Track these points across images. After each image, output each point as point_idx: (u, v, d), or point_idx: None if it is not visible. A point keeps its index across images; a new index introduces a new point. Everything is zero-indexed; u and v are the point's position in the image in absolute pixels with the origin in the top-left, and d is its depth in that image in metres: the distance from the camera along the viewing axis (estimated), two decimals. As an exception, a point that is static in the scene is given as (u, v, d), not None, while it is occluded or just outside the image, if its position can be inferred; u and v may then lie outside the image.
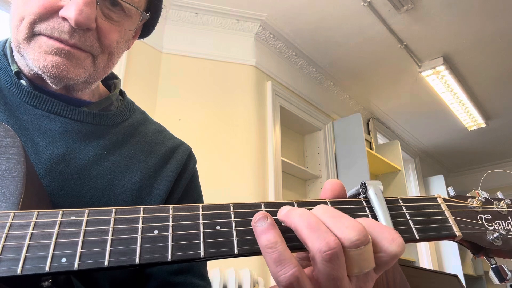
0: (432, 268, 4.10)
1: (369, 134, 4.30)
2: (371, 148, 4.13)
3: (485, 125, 4.69)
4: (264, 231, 0.38)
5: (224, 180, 2.54)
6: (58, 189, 0.61)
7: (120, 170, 0.69)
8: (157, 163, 0.75)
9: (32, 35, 0.61)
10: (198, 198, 0.84)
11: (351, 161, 3.51)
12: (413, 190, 4.92)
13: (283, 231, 0.40)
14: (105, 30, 0.64)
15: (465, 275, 4.78)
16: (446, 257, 4.77)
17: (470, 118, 4.53)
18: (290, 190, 3.27)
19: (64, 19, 0.60)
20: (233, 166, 2.61)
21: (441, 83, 3.80)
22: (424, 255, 4.43)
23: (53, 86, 0.65)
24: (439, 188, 5.04)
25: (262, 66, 3.07)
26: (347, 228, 0.37)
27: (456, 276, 2.65)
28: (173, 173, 0.76)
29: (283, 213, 0.41)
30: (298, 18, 3.07)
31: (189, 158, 0.82)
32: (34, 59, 0.60)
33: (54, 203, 0.60)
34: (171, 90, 2.72)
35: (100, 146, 0.69)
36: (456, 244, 5.02)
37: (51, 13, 0.60)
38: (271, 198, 2.63)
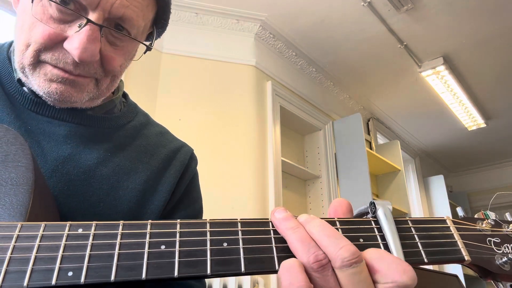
0: (432, 268, 4.10)
1: (369, 134, 4.31)
2: (371, 148, 4.13)
3: (485, 125, 4.69)
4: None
5: (224, 180, 2.54)
6: (64, 189, 0.62)
7: (124, 171, 0.70)
8: (160, 164, 0.77)
9: (37, 61, 0.61)
10: (198, 198, 0.85)
11: (351, 161, 3.51)
12: (413, 190, 4.93)
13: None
14: (109, 57, 0.64)
15: (465, 275, 4.79)
16: (446, 256, 4.76)
17: (470, 118, 4.54)
18: (290, 190, 3.27)
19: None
20: (233, 166, 2.61)
21: (441, 83, 3.81)
22: (424, 254, 4.42)
23: (57, 106, 0.66)
24: (439, 188, 5.04)
25: (262, 66, 3.06)
26: (341, 248, 0.38)
27: (456, 276, 2.64)
28: (176, 174, 0.77)
29: (277, 218, 0.43)
30: (298, 18, 3.07)
31: (191, 160, 0.84)
32: (39, 85, 0.61)
33: (60, 203, 0.61)
34: (171, 90, 2.72)
35: (104, 148, 0.70)
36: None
37: (56, 43, 0.60)
38: (271, 198, 2.63)
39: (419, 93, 4.12)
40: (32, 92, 0.67)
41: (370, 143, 4.22)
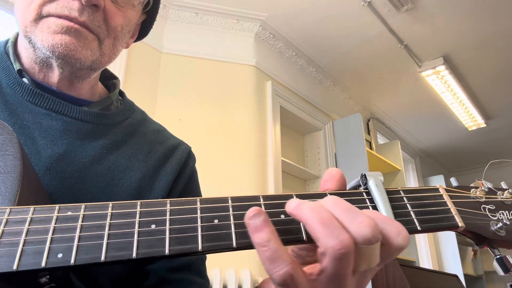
0: (432, 268, 4.10)
1: (369, 134, 4.30)
2: (371, 148, 4.12)
3: (485, 125, 4.68)
4: (257, 228, 0.37)
5: (224, 180, 2.54)
6: (58, 187, 0.62)
7: (120, 169, 0.70)
8: (157, 162, 0.76)
9: (40, 17, 0.61)
10: (197, 196, 0.84)
11: (351, 161, 3.51)
12: (413, 190, 4.91)
13: (282, 224, 0.40)
14: (112, 12, 0.66)
15: (465, 275, 4.78)
16: (446, 257, 4.76)
17: (470, 118, 4.53)
18: (290, 190, 3.27)
19: None
20: (233, 166, 2.61)
21: (441, 83, 3.80)
22: (424, 255, 4.43)
23: (59, 70, 0.65)
24: (439, 188, 5.03)
25: (262, 66, 3.06)
26: (361, 223, 0.36)
27: (456, 276, 2.65)
28: (173, 172, 0.77)
29: (293, 205, 0.40)
30: (298, 18, 3.07)
31: (189, 157, 0.83)
32: (43, 39, 0.61)
33: (54, 201, 0.60)
34: (171, 90, 2.72)
35: (100, 145, 0.69)
36: (456, 244, 4.94)
37: None
38: (271, 198, 2.63)
39: (419, 93, 4.11)
40: (32, 82, 0.67)
41: (370, 143, 4.22)
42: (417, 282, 2.33)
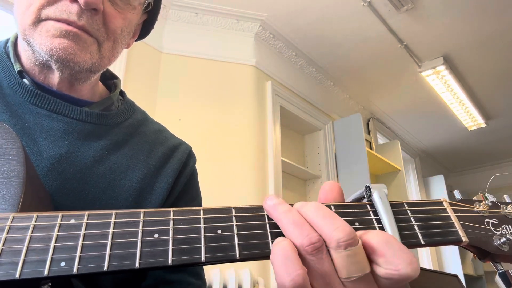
0: (432, 268, 4.10)
1: (369, 134, 4.30)
2: (371, 148, 4.12)
3: (485, 125, 4.68)
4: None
5: (224, 180, 2.54)
6: (59, 188, 0.61)
7: (121, 169, 0.70)
8: (158, 162, 0.76)
9: (39, 20, 0.61)
10: (196, 196, 0.84)
11: (351, 161, 3.51)
12: (413, 190, 4.92)
13: None
14: (111, 15, 0.65)
15: (465, 275, 4.78)
16: (446, 257, 4.76)
17: (470, 118, 4.53)
18: (290, 190, 3.27)
19: (72, 1, 0.60)
20: (233, 166, 2.61)
21: (441, 83, 3.80)
22: (424, 255, 4.43)
23: (59, 72, 0.65)
24: (439, 188, 5.03)
25: (262, 66, 3.06)
26: (336, 229, 0.37)
27: (456, 276, 2.64)
28: (173, 172, 0.77)
29: (270, 203, 0.42)
30: (298, 18, 3.07)
31: (189, 157, 0.83)
32: (41, 43, 0.61)
33: (56, 202, 0.60)
34: (171, 90, 2.71)
35: (101, 146, 0.69)
36: (456, 244, 4.97)
37: None
38: (271, 198, 2.63)
39: (419, 93, 4.11)
40: (33, 83, 0.67)
41: (370, 143, 4.21)
42: (417, 282, 2.32)
